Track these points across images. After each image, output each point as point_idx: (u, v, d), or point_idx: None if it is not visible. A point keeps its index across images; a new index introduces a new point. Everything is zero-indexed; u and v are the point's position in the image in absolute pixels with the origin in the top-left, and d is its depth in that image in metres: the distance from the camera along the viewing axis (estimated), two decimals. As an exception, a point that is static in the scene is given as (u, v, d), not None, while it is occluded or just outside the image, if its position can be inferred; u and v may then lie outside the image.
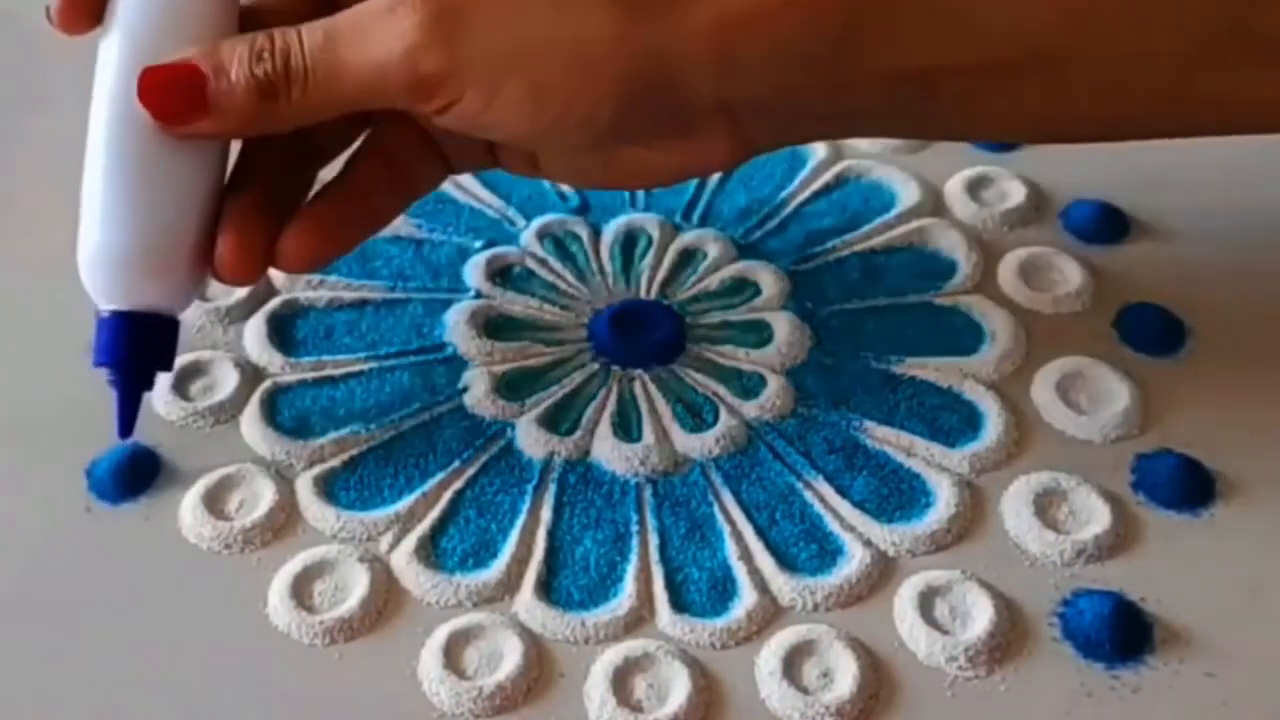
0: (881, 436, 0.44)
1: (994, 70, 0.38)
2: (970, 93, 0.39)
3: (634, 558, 0.40)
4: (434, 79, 0.35)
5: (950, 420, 0.44)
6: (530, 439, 0.44)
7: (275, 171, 0.40)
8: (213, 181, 0.39)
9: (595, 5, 0.36)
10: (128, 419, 0.40)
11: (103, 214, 0.37)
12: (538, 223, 0.51)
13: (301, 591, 0.39)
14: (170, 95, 0.37)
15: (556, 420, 0.44)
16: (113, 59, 0.38)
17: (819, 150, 0.54)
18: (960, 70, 0.38)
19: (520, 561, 0.40)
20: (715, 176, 0.53)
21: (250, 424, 0.44)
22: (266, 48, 0.36)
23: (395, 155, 0.41)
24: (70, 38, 0.39)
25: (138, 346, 0.39)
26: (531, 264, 0.49)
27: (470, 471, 0.43)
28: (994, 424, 0.44)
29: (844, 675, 0.37)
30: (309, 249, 0.39)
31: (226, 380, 0.45)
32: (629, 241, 0.50)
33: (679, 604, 0.39)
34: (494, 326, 0.47)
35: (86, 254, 0.38)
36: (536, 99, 0.36)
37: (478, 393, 0.45)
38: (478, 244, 0.50)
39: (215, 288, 0.48)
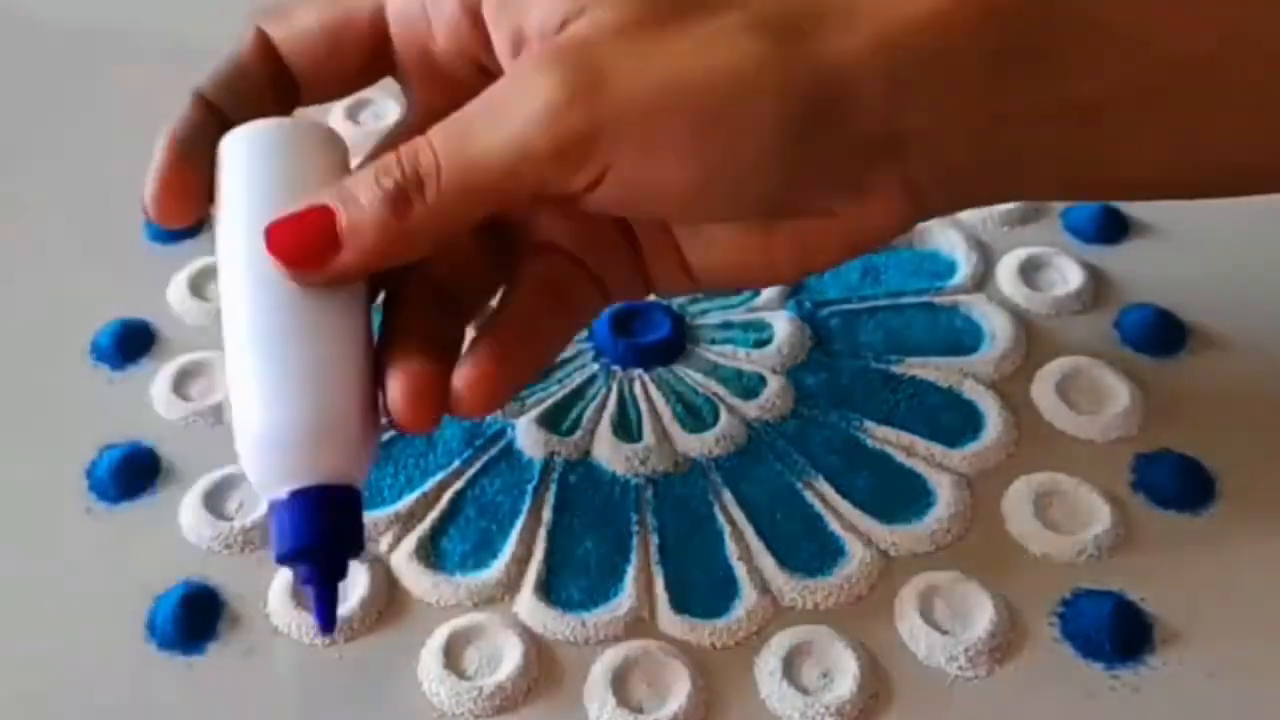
0: (881, 436, 0.44)
1: (1157, 98, 0.35)
2: (1131, 128, 0.35)
3: (634, 558, 0.40)
4: (581, 139, 0.31)
5: (950, 420, 0.44)
6: (530, 439, 0.44)
7: (424, 330, 0.35)
8: (365, 334, 0.35)
9: (742, 34, 0.32)
10: (329, 614, 0.35)
11: (262, 391, 0.34)
12: (538, 223, 0.51)
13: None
14: (301, 237, 0.33)
15: (556, 420, 0.44)
16: (238, 235, 0.35)
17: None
18: (1126, 99, 0.35)
19: (520, 561, 0.40)
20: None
21: (250, 424, 0.44)
22: (393, 159, 0.33)
23: (551, 283, 0.37)
24: (163, 223, 0.36)
25: (329, 527, 0.34)
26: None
27: (470, 471, 0.43)
28: (994, 424, 0.44)
29: (844, 675, 0.37)
30: (487, 386, 0.35)
31: (226, 380, 0.45)
32: (629, 241, 0.50)
33: (679, 604, 0.39)
34: (494, 326, 0.47)
35: (253, 437, 0.34)
36: (698, 138, 0.32)
37: (478, 393, 0.45)
38: (478, 244, 0.50)
39: (214, 289, 0.48)
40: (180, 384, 0.45)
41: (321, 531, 0.33)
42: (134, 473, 0.42)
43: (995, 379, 0.46)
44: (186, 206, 0.35)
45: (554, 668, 0.38)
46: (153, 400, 0.45)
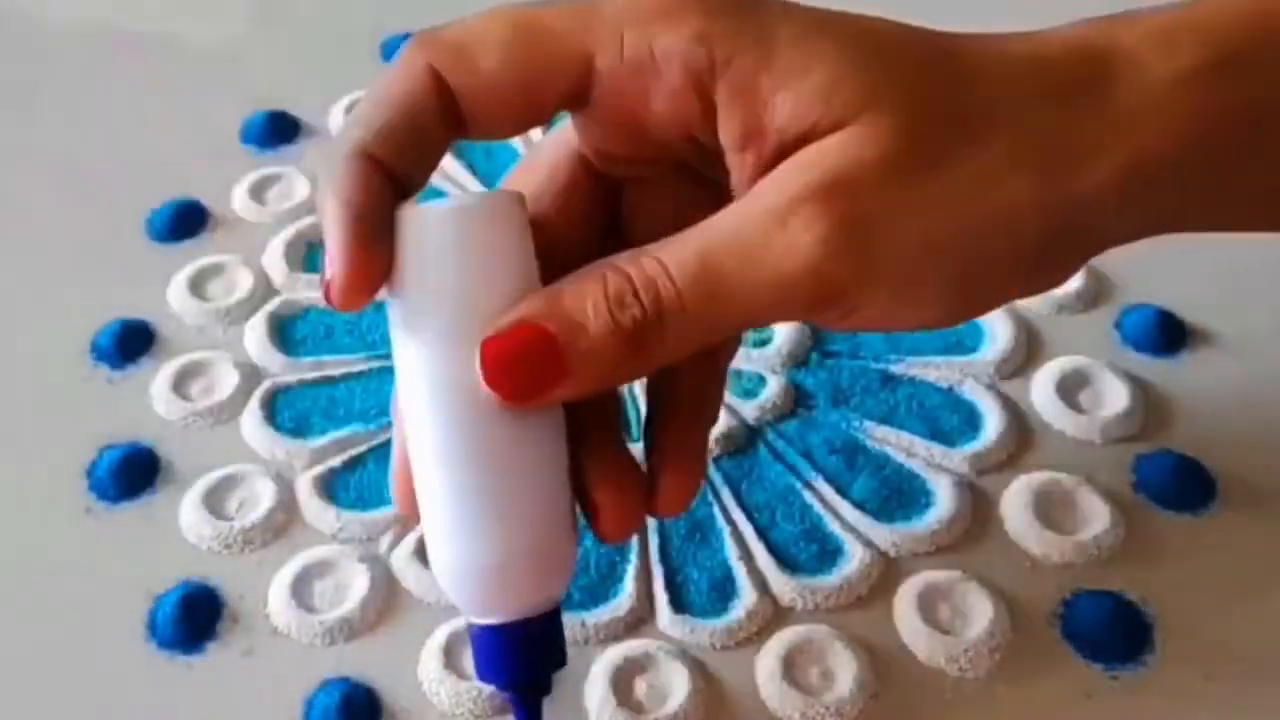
0: (881, 436, 0.44)
1: None
2: None
3: (634, 558, 0.40)
4: (840, 291, 0.30)
5: (950, 420, 0.44)
6: (530, 439, 0.44)
7: (608, 439, 0.34)
8: (564, 449, 0.32)
9: (1010, 169, 0.30)
10: None
11: (468, 520, 0.31)
12: (538, 223, 0.51)
13: (301, 591, 0.39)
14: (522, 370, 0.30)
15: (556, 420, 0.44)
16: (428, 340, 0.31)
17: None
18: None
19: (520, 561, 0.40)
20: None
21: (250, 424, 0.44)
22: (627, 289, 0.30)
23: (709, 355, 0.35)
24: (345, 310, 0.31)
25: (537, 655, 0.33)
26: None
27: (470, 471, 0.43)
28: (994, 424, 0.44)
29: (844, 675, 0.37)
30: (689, 487, 0.34)
31: (226, 380, 0.45)
32: (629, 241, 0.50)
33: (679, 604, 0.39)
34: (494, 326, 0.47)
35: (459, 569, 0.32)
36: (953, 286, 0.31)
37: (478, 393, 0.45)
38: (478, 244, 0.50)
39: (214, 288, 0.49)
40: (180, 384, 0.45)
41: (528, 665, 0.33)
42: (134, 473, 0.42)
43: (995, 379, 0.46)
44: (373, 289, 0.30)
45: (554, 668, 0.38)
46: (153, 400, 0.45)
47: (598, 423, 0.34)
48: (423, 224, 0.31)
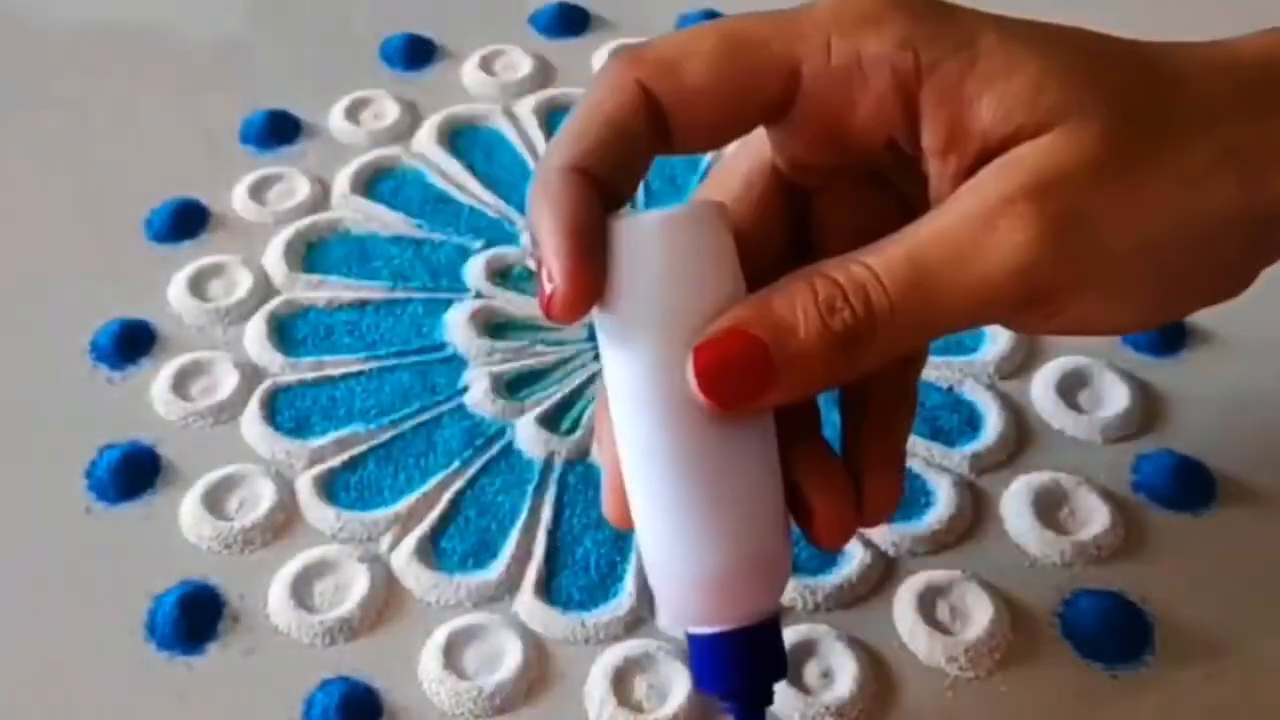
0: (881, 436, 0.44)
1: None
2: None
3: (634, 558, 0.40)
4: (1051, 291, 0.30)
5: (950, 420, 0.44)
6: (530, 439, 0.44)
7: (818, 445, 0.34)
8: (775, 454, 0.32)
9: (1213, 175, 0.30)
10: None
11: (686, 532, 0.31)
12: (538, 223, 0.51)
13: (301, 591, 0.39)
14: (734, 376, 0.30)
15: (556, 420, 0.44)
16: (637, 345, 0.31)
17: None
18: None
19: (520, 561, 0.40)
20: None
21: (250, 424, 0.44)
22: (837, 294, 0.30)
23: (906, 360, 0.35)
24: (565, 323, 0.31)
25: (761, 662, 0.33)
26: (531, 264, 0.49)
27: (470, 471, 0.43)
28: (994, 424, 0.44)
29: (844, 675, 0.37)
30: (894, 495, 0.34)
31: (226, 380, 0.45)
32: (629, 241, 0.50)
33: (679, 604, 0.39)
34: (494, 326, 0.47)
35: (682, 578, 0.32)
36: (1160, 292, 0.31)
37: (478, 393, 0.45)
38: (478, 244, 0.50)
39: (214, 288, 0.48)
40: (180, 384, 0.45)
41: (752, 673, 0.32)
42: (134, 473, 0.42)
43: (995, 379, 0.46)
44: (592, 300, 0.31)
45: (554, 668, 0.38)
46: (152, 400, 0.45)
47: (804, 429, 0.34)
48: (636, 234, 0.31)
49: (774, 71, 0.32)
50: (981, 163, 0.30)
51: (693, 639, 0.33)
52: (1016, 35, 0.31)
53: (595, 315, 0.31)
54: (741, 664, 0.32)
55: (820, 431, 0.34)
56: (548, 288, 0.30)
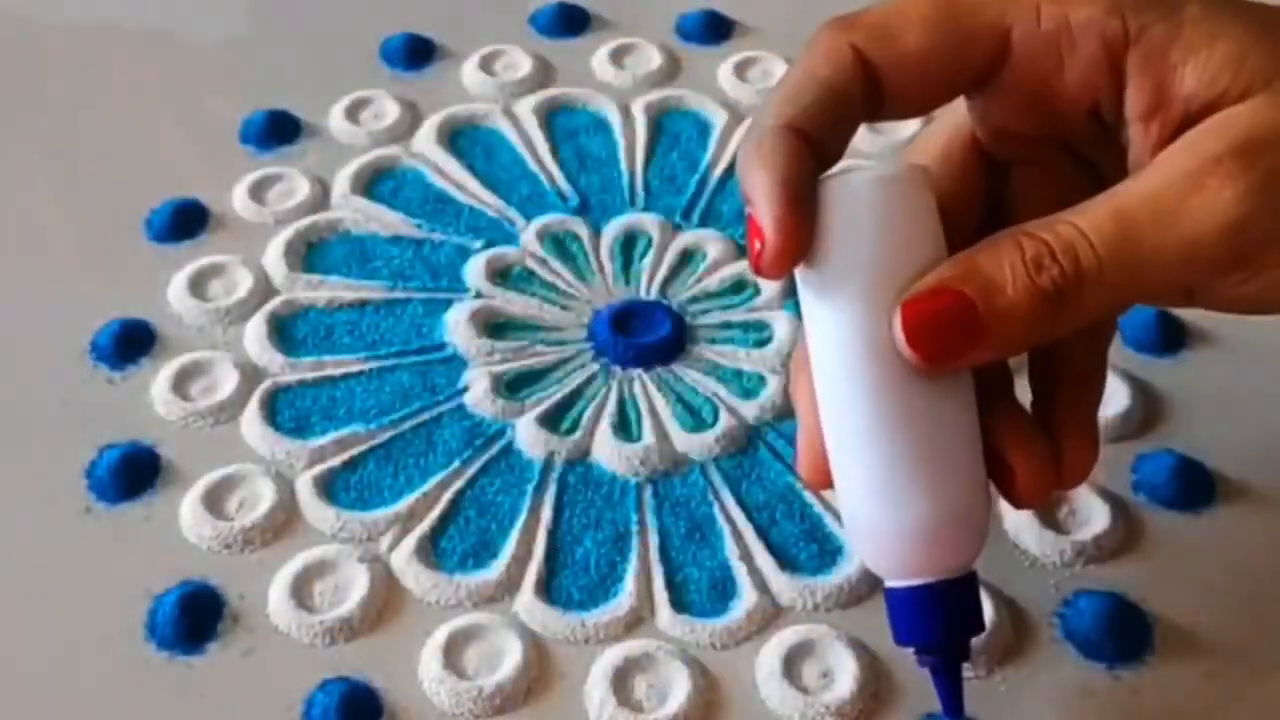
0: (881, 436, 0.44)
1: None
2: None
3: (634, 558, 0.40)
4: (1259, 248, 0.30)
5: (950, 420, 0.44)
6: (530, 439, 0.44)
7: (1014, 403, 0.35)
8: (974, 412, 0.33)
9: None
10: (956, 699, 0.34)
11: (890, 486, 0.32)
12: (537, 223, 0.51)
13: (301, 591, 0.39)
14: (942, 332, 0.31)
15: (556, 420, 0.44)
16: (842, 302, 0.32)
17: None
18: None
19: (520, 561, 0.40)
20: (714, 176, 0.53)
21: (250, 424, 0.44)
22: (1045, 252, 0.30)
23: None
24: (772, 278, 0.33)
25: (961, 615, 0.33)
26: (531, 264, 0.49)
27: (470, 471, 0.43)
28: (994, 424, 0.44)
29: (844, 675, 0.37)
30: (1090, 458, 0.34)
31: (226, 380, 0.45)
32: (629, 241, 0.50)
33: (679, 604, 0.39)
34: (494, 326, 0.47)
35: (886, 531, 0.32)
36: None
37: (478, 393, 0.45)
38: (478, 244, 0.50)
39: (214, 288, 0.48)
40: (180, 384, 0.45)
41: (950, 626, 0.33)
42: (134, 473, 0.42)
43: (995, 379, 0.46)
44: (800, 255, 0.31)
45: (554, 668, 0.38)
46: (152, 400, 0.45)
47: (1000, 389, 0.34)
48: (845, 193, 0.32)
49: (987, 35, 0.33)
50: (1183, 129, 0.31)
51: (893, 592, 0.33)
52: (1219, 4, 0.32)
53: (799, 273, 0.32)
54: (942, 616, 0.33)
55: (1014, 395, 0.35)
56: (757, 243, 0.31)
